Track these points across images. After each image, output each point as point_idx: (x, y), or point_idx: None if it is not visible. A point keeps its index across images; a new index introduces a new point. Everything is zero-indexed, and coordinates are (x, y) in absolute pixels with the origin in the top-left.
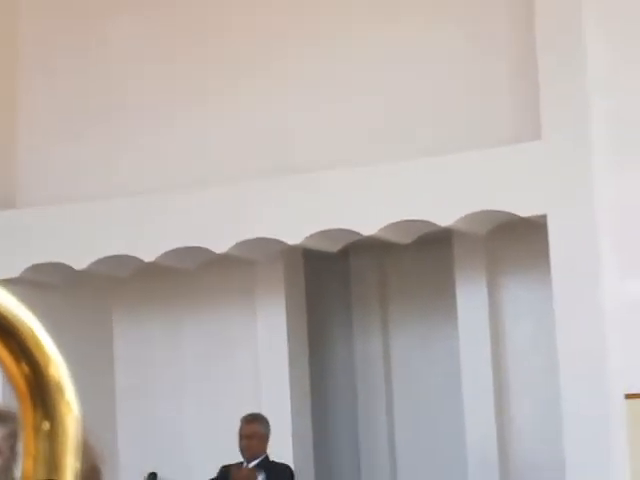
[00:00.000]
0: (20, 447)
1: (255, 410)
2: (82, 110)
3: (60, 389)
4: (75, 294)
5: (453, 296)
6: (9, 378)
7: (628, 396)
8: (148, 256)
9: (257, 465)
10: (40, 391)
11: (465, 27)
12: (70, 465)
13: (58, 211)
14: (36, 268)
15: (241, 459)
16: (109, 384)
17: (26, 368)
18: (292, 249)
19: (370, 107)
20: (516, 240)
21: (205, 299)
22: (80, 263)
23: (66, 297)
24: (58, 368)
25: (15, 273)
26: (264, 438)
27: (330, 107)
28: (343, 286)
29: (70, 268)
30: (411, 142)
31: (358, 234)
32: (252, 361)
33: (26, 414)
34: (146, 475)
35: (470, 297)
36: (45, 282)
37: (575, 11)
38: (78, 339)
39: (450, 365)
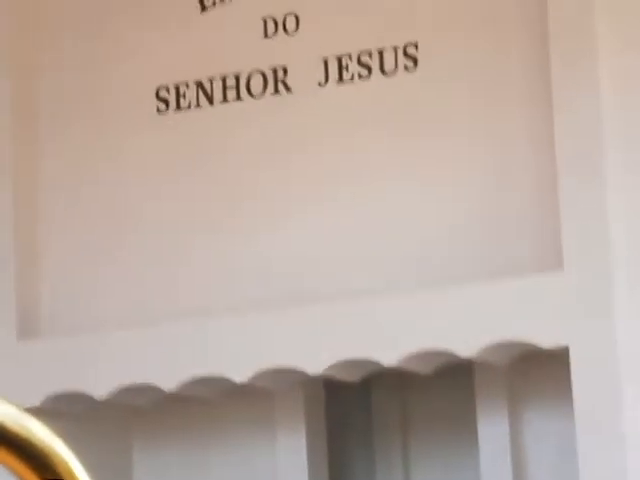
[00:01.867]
0: None
1: None
2: (102, 239)
3: None
4: (95, 423)
5: (474, 426)
6: None
7: None
8: (168, 385)
9: None
10: None
11: (483, 154)
12: None
13: (78, 340)
14: (56, 397)
15: None
16: None
17: None
18: (312, 379)
19: (392, 235)
20: (538, 371)
21: (225, 429)
22: (100, 392)
23: (86, 426)
24: None
25: (36, 402)
26: None
27: (351, 235)
28: (364, 417)
29: (90, 397)
30: (431, 271)
31: (378, 364)
32: None
33: None
34: None
35: (491, 428)
36: (65, 411)
37: (597, 154)
38: (98, 469)
39: None
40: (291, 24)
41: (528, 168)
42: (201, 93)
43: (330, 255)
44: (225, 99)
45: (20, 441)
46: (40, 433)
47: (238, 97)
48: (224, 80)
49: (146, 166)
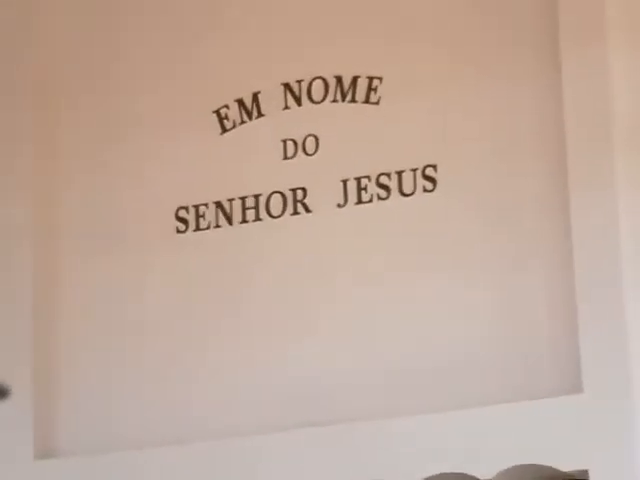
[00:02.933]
0: None
1: None
2: (118, 360)
3: None
4: None
5: None
6: None
7: None
8: None
9: None
10: None
11: (502, 278)
12: None
13: (94, 461)
14: None
15: None
16: None
17: None
18: None
19: (409, 358)
20: None
21: None
22: None
23: None
24: None
25: None
26: None
27: (368, 358)
28: None
29: None
30: (446, 393)
31: None
32: None
33: None
34: None
35: None
36: None
37: (614, 266)
38: None
39: None
40: (311, 146)
41: (546, 290)
42: (220, 213)
43: (347, 379)
44: (244, 219)
45: None
46: None
47: (257, 217)
48: (243, 201)
49: (165, 284)
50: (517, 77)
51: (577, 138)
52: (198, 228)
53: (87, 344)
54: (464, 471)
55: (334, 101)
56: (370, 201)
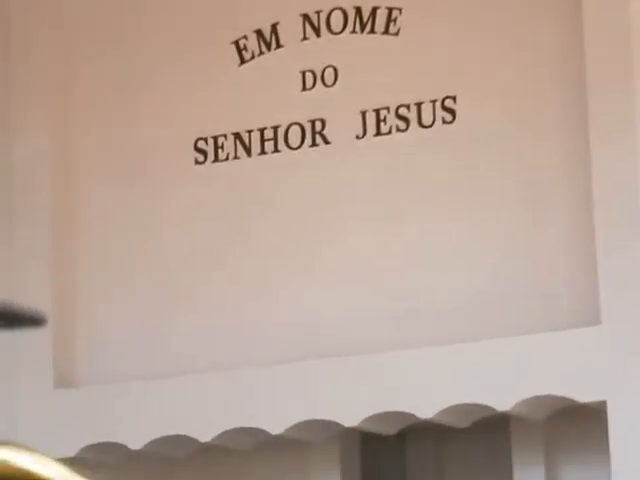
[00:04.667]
0: None
1: None
2: (137, 293)
3: None
4: (130, 474)
5: None
6: None
7: None
8: (204, 436)
9: None
10: None
11: (523, 211)
12: None
13: (114, 390)
14: (92, 448)
15: None
16: None
17: None
18: (348, 431)
19: (431, 290)
20: (575, 426)
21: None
22: (136, 443)
23: (121, 477)
24: None
25: (71, 453)
26: None
27: (385, 287)
28: (399, 469)
29: (126, 448)
30: (467, 325)
31: (415, 417)
32: None
33: None
34: None
35: None
36: (101, 462)
37: (634, 209)
38: None
39: None
40: (330, 77)
41: (565, 224)
42: (239, 145)
43: (368, 308)
44: (263, 151)
45: None
46: None
47: (276, 149)
48: (262, 132)
49: (183, 217)
50: (538, 9)
51: (598, 71)
52: (217, 159)
53: (105, 277)
54: (482, 402)
55: (353, 32)
56: (389, 133)
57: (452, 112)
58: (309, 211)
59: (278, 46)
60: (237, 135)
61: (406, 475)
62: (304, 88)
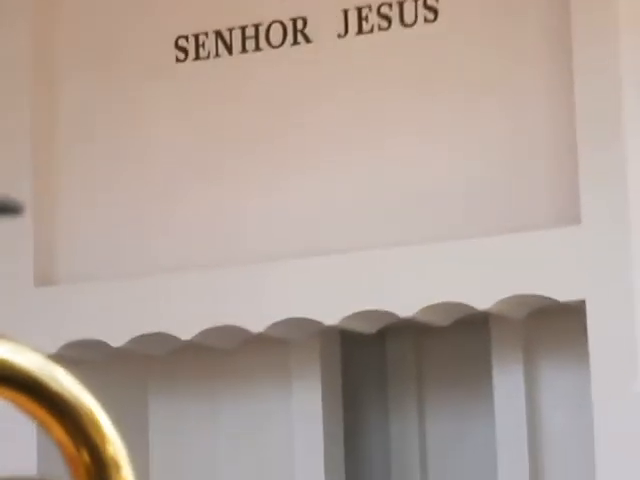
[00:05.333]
0: None
1: None
2: (121, 189)
3: (118, 468)
4: (111, 372)
5: (490, 379)
6: (65, 457)
7: None
8: (185, 335)
9: None
10: (98, 471)
11: (502, 107)
12: None
13: (95, 288)
14: (73, 345)
15: None
16: (143, 461)
17: (84, 447)
18: (329, 329)
19: (408, 189)
20: (554, 324)
21: (241, 378)
22: (117, 341)
23: (102, 374)
24: (116, 447)
25: (52, 349)
26: None
27: (367, 185)
28: (379, 367)
29: (107, 345)
30: (447, 224)
31: (395, 316)
32: (287, 441)
33: None
34: None
35: (507, 381)
36: (81, 359)
37: (615, 108)
38: (113, 416)
39: (486, 447)
40: None
41: (547, 123)
42: (220, 43)
43: (346, 207)
44: (244, 49)
45: (45, 390)
46: (66, 383)
47: (257, 47)
48: (243, 30)
49: (164, 115)
50: None
51: None
52: (198, 57)
53: (87, 174)
54: (462, 301)
55: None
56: (371, 31)
57: (434, 11)
58: (290, 109)
59: None
60: (218, 33)
61: (386, 373)
62: None
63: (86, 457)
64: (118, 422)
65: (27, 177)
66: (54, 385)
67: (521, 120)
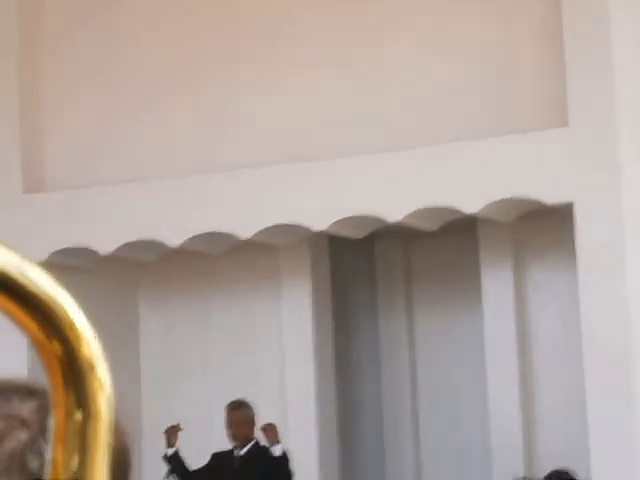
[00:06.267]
0: (51, 423)
1: (279, 393)
2: (108, 95)
3: (92, 368)
4: (101, 278)
5: (478, 283)
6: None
7: None
8: (173, 241)
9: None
10: (72, 370)
11: (492, 11)
12: (103, 449)
13: (84, 195)
14: (63, 252)
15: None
16: (135, 368)
17: (58, 347)
18: (318, 235)
19: (395, 93)
20: (542, 227)
21: (231, 284)
22: (106, 248)
23: (92, 281)
24: (91, 347)
25: (42, 256)
26: (252, 423)
27: (354, 93)
28: (368, 271)
29: (96, 252)
30: (436, 129)
31: (383, 221)
32: (277, 344)
33: (58, 393)
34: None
35: (495, 283)
36: (72, 266)
37: (602, 11)
38: (104, 323)
39: (475, 349)
40: None
41: (534, 26)
42: None
43: (336, 113)
44: None
45: (21, 289)
46: (42, 283)
47: None
48: None
49: (149, 19)
50: None
51: None
52: None
53: (73, 84)
54: (450, 205)
55: None
56: None
57: None
58: (278, 16)
59: None
60: None
61: (375, 276)
62: None
63: (61, 357)
64: (109, 328)
65: (15, 87)
66: (29, 284)
67: (509, 24)
